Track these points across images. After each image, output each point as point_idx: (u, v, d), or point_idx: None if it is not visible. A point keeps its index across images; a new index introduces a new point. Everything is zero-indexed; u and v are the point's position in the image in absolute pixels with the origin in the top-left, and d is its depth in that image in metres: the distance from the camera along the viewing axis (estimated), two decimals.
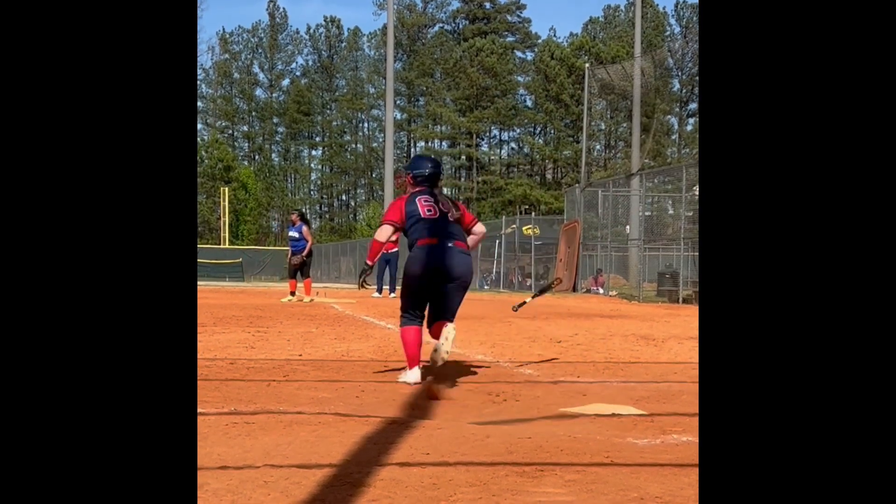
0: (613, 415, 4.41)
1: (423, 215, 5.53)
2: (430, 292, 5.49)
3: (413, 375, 5.45)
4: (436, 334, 5.39)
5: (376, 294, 18.27)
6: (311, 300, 15.98)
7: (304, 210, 18.79)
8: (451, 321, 5.44)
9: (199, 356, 6.57)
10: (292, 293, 16.29)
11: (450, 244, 5.46)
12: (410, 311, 5.57)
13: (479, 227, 5.89)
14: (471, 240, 5.77)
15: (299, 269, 16.12)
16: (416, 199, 5.61)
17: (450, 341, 5.26)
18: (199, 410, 4.22)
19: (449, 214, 5.56)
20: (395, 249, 17.73)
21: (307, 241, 15.98)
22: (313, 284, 17.45)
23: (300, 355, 7.02)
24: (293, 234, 16.21)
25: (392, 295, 17.77)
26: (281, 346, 7.61)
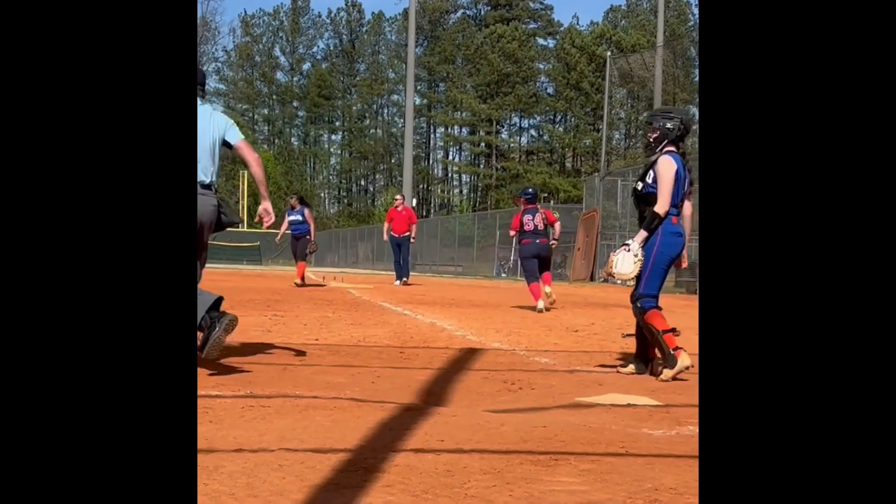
0: (629, 405, 4.40)
1: (525, 228, 10.97)
2: (535, 263, 10.91)
3: (541, 304, 10.58)
4: (544, 280, 10.91)
5: (398, 282, 17.63)
6: (302, 284, 15.42)
7: (303, 194, 18.12)
8: (549, 270, 11.19)
9: None
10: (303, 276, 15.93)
11: (537, 241, 10.95)
12: (529, 274, 11.05)
13: (557, 225, 11.32)
14: (557, 231, 11.35)
15: (296, 251, 15.86)
16: (524, 217, 10.96)
17: (550, 291, 10.95)
18: (215, 393, 4.25)
19: (538, 227, 10.91)
20: (407, 234, 17.25)
21: (310, 224, 15.73)
22: (330, 269, 17.28)
23: (316, 340, 7.04)
24: (296, 217, 15.83)
25: (397, 283, 17.33)
26: (297, 331, 7.64)
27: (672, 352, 5.25)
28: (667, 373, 5.26)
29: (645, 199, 5.44)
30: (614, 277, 5.37)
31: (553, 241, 11.30)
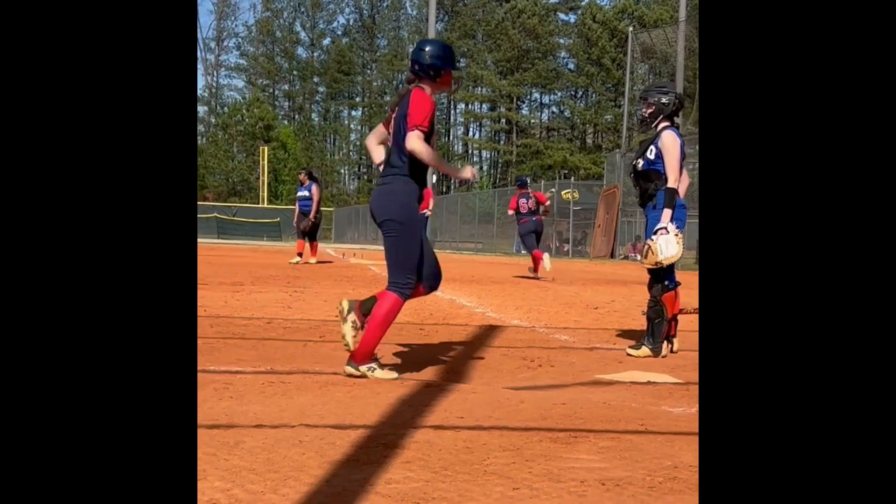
0: (649, 382, 4.40)
1: (521, 210, 13.37)
2: (533, 237, 13.38)
3: (547, 264, 12.93)
4: (537, 255, 13.13)
5: None
6: (297, 262, 15.25)
7: (312, 170, 17.05)
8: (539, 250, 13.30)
9: (236, 315, 6.64)
10: (299, 254, 15.63)
11: (533, 219, 13.32)
12: (529, 246, 13.50)
13: (546, 202, 14.29)
14: (546, 206, 14.28)
15: (308, 231, 15.52)
16: (520, 200, 13.46)
17: (548, 259, 12.97)
18: (235, 369, 4.27)
19: (531, 208, 13.37)
20: (426, 209, 16.71)
21: (313, 200, 15.42)
22: (350, 245, 17.01)
23: (337, 316, 7.05)
24: (304, 193, 15.50)
25: None
26: (318, 307, 7.66)
27: (662, 340, 5.41)
28: (643, 350, 5.32)
29: (646, 175, 5.44)
30: (663, 265, 5.32)
31: (544, 213, 14.31)
